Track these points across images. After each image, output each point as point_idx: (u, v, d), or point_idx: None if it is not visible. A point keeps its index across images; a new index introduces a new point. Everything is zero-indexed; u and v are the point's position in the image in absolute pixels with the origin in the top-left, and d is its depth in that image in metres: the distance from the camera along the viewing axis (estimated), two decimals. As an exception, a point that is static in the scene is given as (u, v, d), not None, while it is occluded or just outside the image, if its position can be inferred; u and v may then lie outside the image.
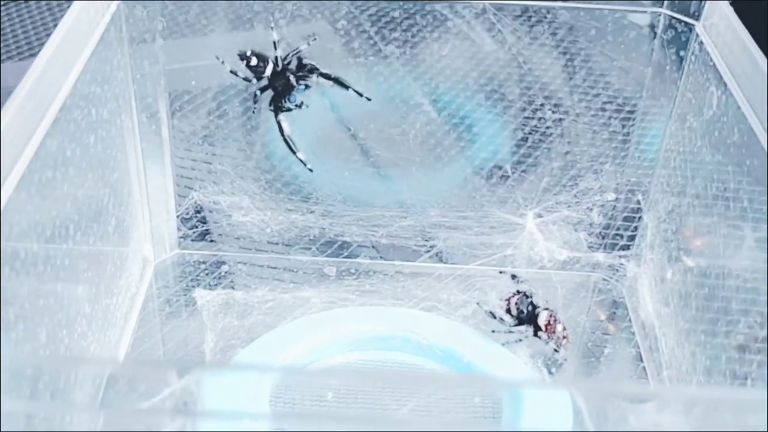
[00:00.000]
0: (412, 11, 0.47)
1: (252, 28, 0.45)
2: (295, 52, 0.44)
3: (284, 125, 0.44)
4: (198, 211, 0.52)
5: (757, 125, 0.38)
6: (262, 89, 0.44)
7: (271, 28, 0.44)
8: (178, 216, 0.52)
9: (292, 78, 0.44)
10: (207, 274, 0.52)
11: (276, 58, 0.44)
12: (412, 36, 0.47)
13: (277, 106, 0.44)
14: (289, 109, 0.44)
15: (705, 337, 0.42)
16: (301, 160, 0.44)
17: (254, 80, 0.44)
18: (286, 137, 0.44)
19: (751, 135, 0.38)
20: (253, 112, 0.45)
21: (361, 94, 0.44)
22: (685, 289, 0.44)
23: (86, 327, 0.40)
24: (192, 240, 0.53)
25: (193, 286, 0.51)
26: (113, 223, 0.44)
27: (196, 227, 0.53)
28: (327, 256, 0.54)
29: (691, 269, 0.44)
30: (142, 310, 0.50)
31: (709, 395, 0.30)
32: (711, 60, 0.43)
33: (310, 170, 0.45)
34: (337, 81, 0.44)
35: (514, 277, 0.49)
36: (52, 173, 0.35)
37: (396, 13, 0.47)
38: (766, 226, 0.37)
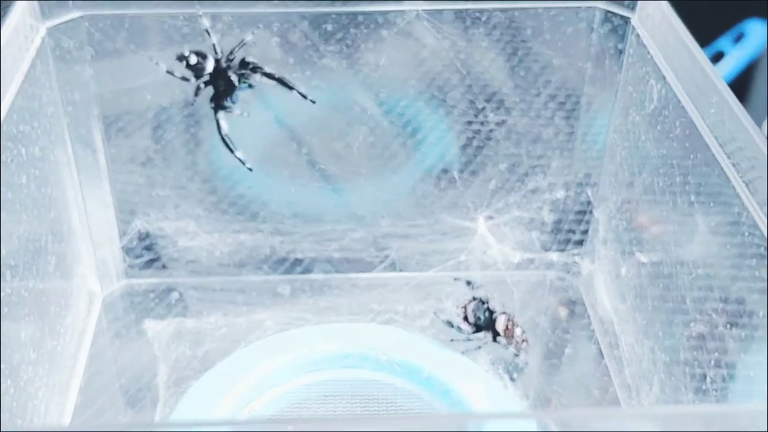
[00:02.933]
0: (345, 22, 0.46)
1: (182, 50, 0.43)
2: (239, 45, 0.43)
3: (223, 123, 0.43)
4: (143, 239, 0.51)
5: (698, 118, 0.38)
6: (206, 83, 0.43)
7: (207, 32, 0.43)
8: (122, 246, 0.51)
9: (233, 77, 0.43)
10: (157, 303, 0.51)
11: (217, 54, 0.43)
12: (347, 47, 0.46)
13: (218, 104, 0.43)
14: (230, 109, 0.43)
15: (662, 332, 0.42)
16: (239, 159, 0.43)
17: (193, 79, 0.43)
18: (224, 135, 0.43)
19: (693, 128, 0.38)
20: (192, 104, 0.44)
21: (305, 96, 0.43)
22: (640, 284, 0.44)
23: (32, 373, 0.39)
24: (139, 269, 0.52)
25: (143, 317, 0.50)
26: (54, 262, 0.43)
27: (142, 255, 0.51)
28: (280, 274, 0.53)
29: (644, 264, 0.44)
30: (92, 346, 0.48)
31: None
32: (649, 53, 0.43)
33: (249, 169, 0.43)
34: (281, 81, 0.43)
35: (469, 283, 0.48)
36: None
37: (330, 26, 0.46)
38: (715, 218, 0.37)
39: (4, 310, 0.36)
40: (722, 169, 0.36)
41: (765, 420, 0.27)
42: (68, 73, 0.44)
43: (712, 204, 0.37)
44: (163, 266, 0.52)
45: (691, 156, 0.38)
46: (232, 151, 0.44)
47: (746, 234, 0.34)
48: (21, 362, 0.37)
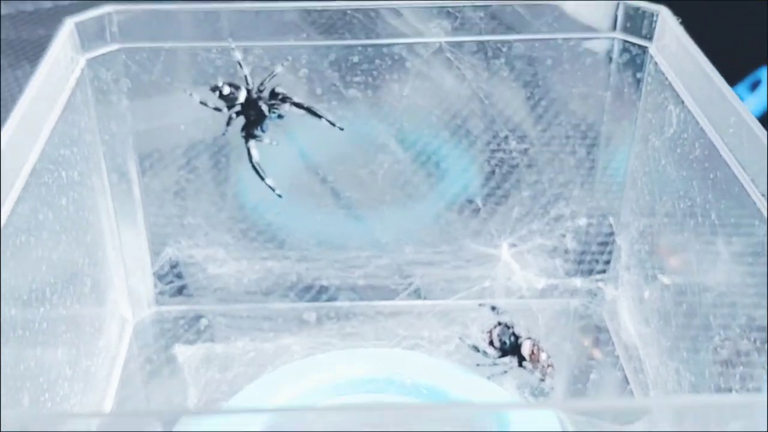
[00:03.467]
0: (371, 55, 0.48)
1: (215, 81, 0.45)
2: (270, 76, 0.45)
3: (254, 152, 0.45)
4: (174, 266, 0.52)
5: (717, 139, 0.39)
6: (237, 113, 0.45)
7: (239, 64, 0.44)
8: (154, 273, 0.52)
9: (264, 107, 0.44)
10: (186, 330, 0.52)
11: (249, 85, 0.45)
12: (373, 79, 0.48)
13: (249, 134, 0.44)
14: (260, 138, 0.45)
15: (687, 353, 0.42)
16: (269, 186, 0.45)
17: (225, 109, 0.45)
18: (255, 164, 0.45)
19: (712, 149, 0.39)
20: (224, 134, 0.45)
21: (333, 124, 0.45)
22: (663, 307, 0.45)
23: (68, 389, 0.40)
24: (170, 296, 0.53)
25: (173, 343, 0.51)
26: (89, 284, 0.44)
27: (173, 282, 0.53)
28: (306, 301, 0.54)
29: (667, 287, 0.44)
30: (124, 370, 0.49)
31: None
32: (667, 79, 0.44)
33: (279, 195, 0.45)
34: (310, 110, 0.45)
35: (493, 308, 0.49)
36: (26, 237, 0.35)
37: (356, 58, 0.48)
38: (737, 237, 0.38)
39: (43, 325, 0.37)
40: (742, 186, 0.37)
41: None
42: (105, 104, 0.46)
43: (733, 222, 0.38)
44: (192, 293, 0.53)
45: (711, 176, 0.39)
46: (262, 179, 0.45)
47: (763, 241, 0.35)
48: (58, 378, 0.38)
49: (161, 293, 0.53)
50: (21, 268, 0.35)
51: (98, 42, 0.45)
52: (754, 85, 1.27)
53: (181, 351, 0.50)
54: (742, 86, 1.27)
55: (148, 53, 0.46)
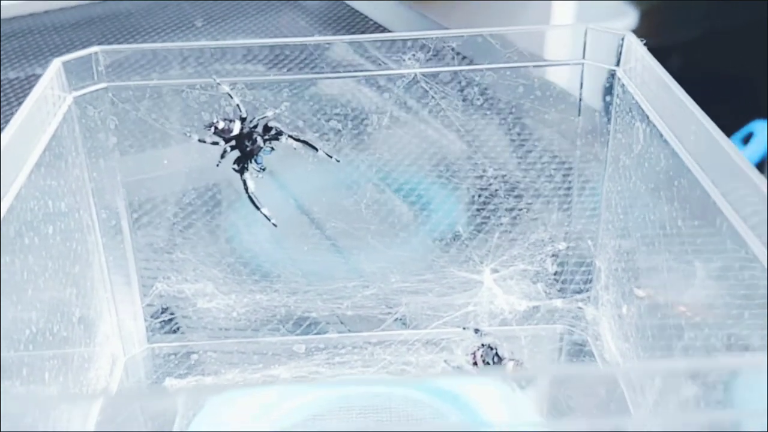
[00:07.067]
0: (348, 88, 0.49)
1: (199, 116, 0.47)
2: (261, 117, 0.47)
3: (249, 183, 0.46)
4: (164, 303, 0.53)
5: (679, 147, 0.40)
6: (232, 147, 0.46)
7: (229, 95, 0.46)
8: (144, 308, 0.53)
9: (259, 139, 0.46)
10: (177, 365, 0.53)
11: (242, 118, 0.46)
12: (351, 110, 0.49)
13: (243, 167, 0.46)
14: (255, 170, 0.46)
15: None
16: (265, 216, 0.46)
17: (222, 142, 0.46)
18: (251, 194, 0.46)
19: (675, 157, 0.40)
20: (218, 165, 0.47)
21: (330, 156, 0.46)
22: (640, 319, 0.46)
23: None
24: (160, 332, 0.54)
25: (164, 377, 0.52)
26: (77, 314, 0.45)
27: (163, 318, 0.54)
28: (295, 334, 0.54)
29: (642, 299, 0.45)
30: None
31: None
32: (634, 99, 0.46)
33: (275, 225, 0.46)
34: (306, 143, 0.46)
35: (477, 331, 0.50)
36: (10, 258, 0.37)
37: (334, 91, 0.49)
38: (700, 237, 0.39)
39: (30, 347, 0.38)
40: (704, 188, 0.38)
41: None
42: (93, 141, 0.48)
43: (697, 223, 0.39)
44: (183, 329, 0.54)
45: (676, 183, 0.40)
46: (258, 209, 0.47)
47: (728, 244, 0.36)
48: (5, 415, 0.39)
49: (151, 329, 0.53)
50: (6, 286, 0.36)
51: (85, 81, 0.46)
52: (746, 139, 1.30)
53: (171, 384, 0.51)
54: (735, 139, 1.29)
55: (134, 91, 0.48)
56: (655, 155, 0.43)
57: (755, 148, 1.30)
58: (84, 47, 0.47)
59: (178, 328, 0.54)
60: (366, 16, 0.93)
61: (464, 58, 0.49)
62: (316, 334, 0.54)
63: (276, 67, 0.50)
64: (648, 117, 0.44)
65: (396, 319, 0.53)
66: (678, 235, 0.41)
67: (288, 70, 0.49)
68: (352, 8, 0.95)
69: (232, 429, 0.43)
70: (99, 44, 0.48)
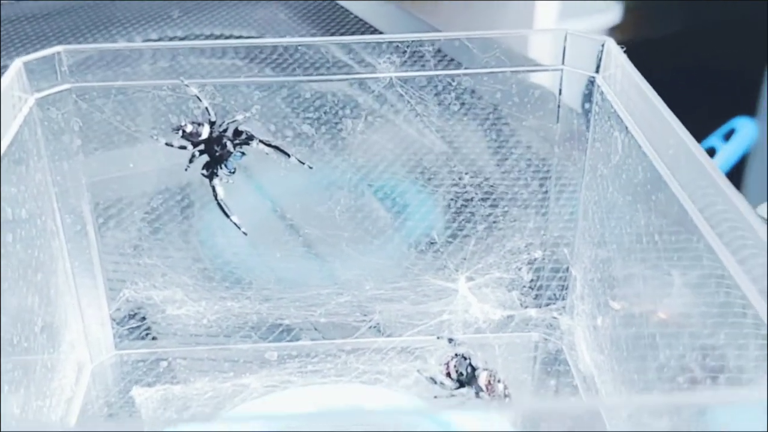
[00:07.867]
0: (322, 90, 0.48)
1: (167, 118, 0.46)
2: (231, 120, 0.45)
3: (218, 189, 0.45)
4: (131, 309, 0.52)
5: (657, 160, 0.39)
6: (201, 152, 0.45)
7: (197, 97, 0.45)
8: (111, 315, 0.52)
9: (229, 144, 0.45)
10: (146, 373, 0.52)
11: (211, 121, 0.45)
12: (325, 113, 0.48)
13: (212, 172, 0.45)
14: (224, 175, 0.45)
15: (638, 376, 0.42)
16: (235, 224, 0.45)
17: (190, 147, 0.45)
18: (220, 201, 0.45)
19: (653, 171, 0.39)
20: (186, 170, 0.45)
21: (303, 162, 0.45)
22: (615, 331, 0.45)
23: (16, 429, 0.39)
24: (128, 339, 0.53)
25: (132, 385, 0.50)
26: (40, 324, 0.44)
27: (131, 325, 0.52)
28: (268, 341, 0.53)
29: (617, 311, 0.44)
30: (81, 414, 0.49)
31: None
32: (612, 107, 0.45)
33: (245, 233, 0.45)
34: (278, 149, 0.45)
35: (451, 340, 0.49)
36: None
37: (307, 94, 0.48)
38: (677, 252, 0.38)
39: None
40: (681, 204, 0.37)
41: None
42: (56, 144, 0.46)
43: (674, 238, 0.38)
44: (152, 336, 0.53)
45: (653, 197, 0.40)
46: (228, 216, 0.45)
47: (704, 260, 0.35)
48: (5, 415, 0.38)
49: (119, 336, 0.52)
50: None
51: (48, 82, 0.45)
52: (728, 135, 1.29)
53: (139, 393, 0.50)
54: (717, 135, 1.29)
55: (99, 92, 0.46)
56: (633, 167, 0.42)
57: (737, 145, 1.30)
58: (58, 39, 0.46)
59: (147, 335, 0.53)
60: (346, 9, 0.92)
61: (440, 60, 0.48)
62: (289, 341, 0.53)
63: (247, 66, 0.49)
64: (626, 127, 0.43)
65: (370, 327, 0.52)
66: (654, 248, 0.40)
67: (259, 71, 0.48)
68: (334, 2, 0.94)
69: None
70: (72, 35, 0.46)
